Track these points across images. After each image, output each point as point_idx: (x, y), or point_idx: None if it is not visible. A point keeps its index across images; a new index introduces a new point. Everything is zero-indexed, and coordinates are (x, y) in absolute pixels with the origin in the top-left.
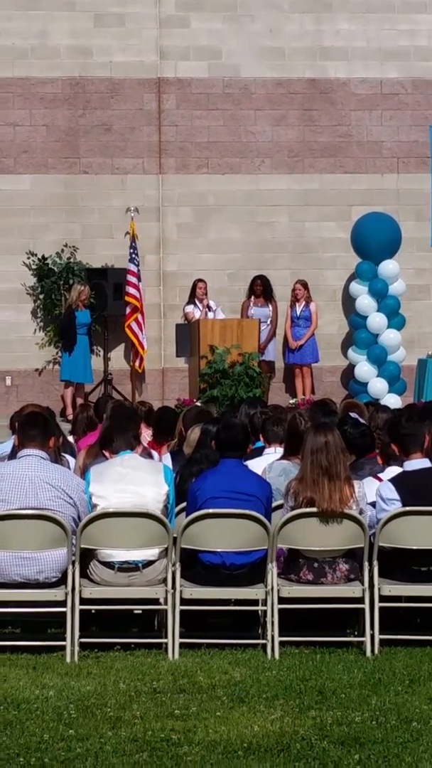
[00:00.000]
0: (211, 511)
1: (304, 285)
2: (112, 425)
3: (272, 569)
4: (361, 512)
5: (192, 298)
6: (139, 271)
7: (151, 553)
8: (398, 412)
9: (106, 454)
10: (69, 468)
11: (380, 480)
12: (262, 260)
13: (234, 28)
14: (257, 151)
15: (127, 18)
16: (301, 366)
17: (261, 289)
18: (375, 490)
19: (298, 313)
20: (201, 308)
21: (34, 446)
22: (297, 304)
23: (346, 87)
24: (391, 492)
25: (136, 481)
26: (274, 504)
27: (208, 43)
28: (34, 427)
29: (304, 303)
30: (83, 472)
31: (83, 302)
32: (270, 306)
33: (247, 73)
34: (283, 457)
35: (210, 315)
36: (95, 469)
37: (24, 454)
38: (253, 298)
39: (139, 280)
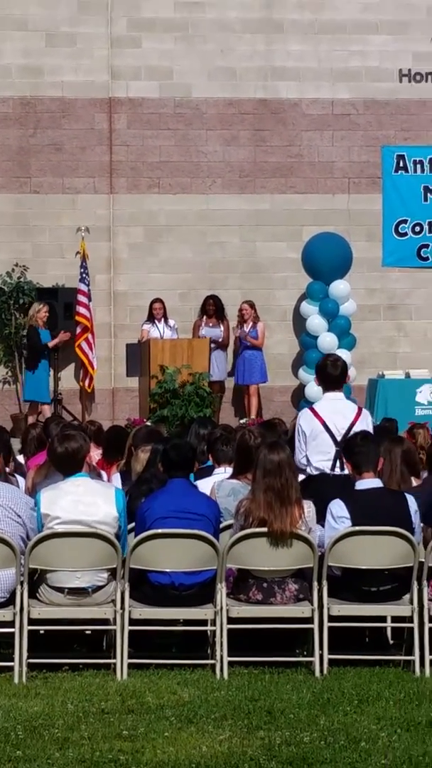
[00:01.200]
0: (159, 531)
1: (251, 305)
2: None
3: (221, 589)
4: (310, 531)
5: (150, 318)
6: (89, 290)
7: (100, 577)
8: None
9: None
10: (18, 488)
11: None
12: (213, 280)
13: (185, 48)
14: (208, 171)
15: (79, 38)
16: (248, 386)
17: (213, 309)
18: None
19: (246, 332)
20: (159, 327)
21: None
22: (245, 324)
23: (298, 107)
24: (342, 510)
25: (87, 503)
26: (222, 524)
27: (159, 63)
28: None
29: (251, 323)
30: (33, 492)
31: (42, 320)
32: (222, 326)
33: (199, 93)
34: (232, 476)
35: (169, 334)
36: (46, 491)
37: None
38: (205, 318)
39: (89, 299)
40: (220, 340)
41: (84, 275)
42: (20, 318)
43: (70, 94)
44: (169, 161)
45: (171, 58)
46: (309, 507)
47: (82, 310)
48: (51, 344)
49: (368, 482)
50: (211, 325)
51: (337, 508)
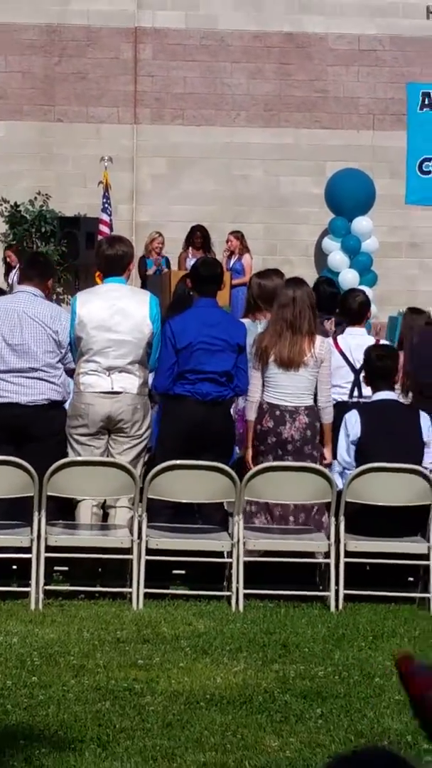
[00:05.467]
0: (177, 462)
1: (238, 237)
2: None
3: (239, 521)
4: (321, 364)
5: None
6: (111, 221)
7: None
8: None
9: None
10: None
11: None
12: (235, 213)
13: None
14: (233, 103)
15: None
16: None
17: (201, 240)
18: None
19: (230, 265)
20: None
21: (30, 284)
22: (232, 257)
23: (324, 42)
24: (356, 420)
25: (121, 307)
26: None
27: None
28: (32, 267)
29: (237, 256)
30: None
31: (156, 251)
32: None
33: (225, 26)
34: (244, 315)
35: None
36: (82, 294)
37: (19, 290)
38: (191, 249)
39: (111, 229)
40: None
41: (106, 205)
42: (42, 246)
43: (96, 23)
44: (193, 93)
45: None
46: (322, 342)
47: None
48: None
49: (383, 394)
50: (197, 257)
51: (352, 418)
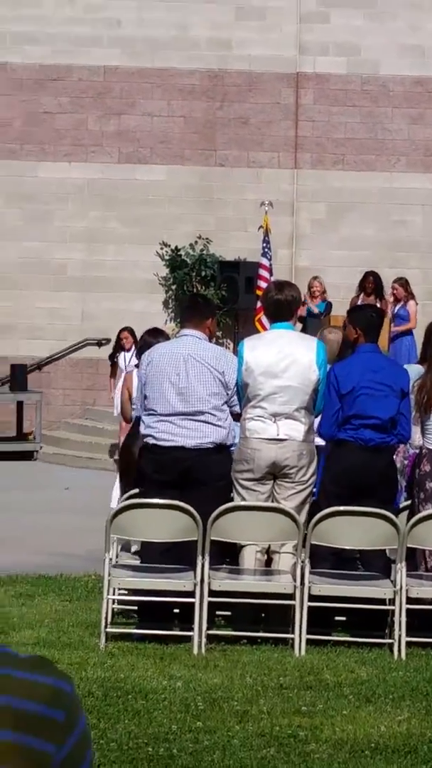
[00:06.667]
0: (341, 508)
1: (403, 284)
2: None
3: (401, 569)
4: None
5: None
6: (271, 265)
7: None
8: None
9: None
10: None
11: None
12: (394, 259)
13: (374, 24)
14: (393, 148)
15: (268, 12)
16: None
17: (372, 286)
18: None
19: (395, 311)
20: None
21: (191, 327)
22: (397, 303)
23: None
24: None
25: (290, 348)
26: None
27: (347, 39)
28: (191, 309)
29: (402, 302)
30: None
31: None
32: (379, 305)
33: (386, 71)
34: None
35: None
36: (250, 340)
37: (182, 334)
38: (363, 295)
39: (271, 274)
40: None
41: (266, 249)
42: (201, 290)
43: (258, 68)
44: (354, 138)
45: (359, 34)
46: None
47: (263, 284)
48: None
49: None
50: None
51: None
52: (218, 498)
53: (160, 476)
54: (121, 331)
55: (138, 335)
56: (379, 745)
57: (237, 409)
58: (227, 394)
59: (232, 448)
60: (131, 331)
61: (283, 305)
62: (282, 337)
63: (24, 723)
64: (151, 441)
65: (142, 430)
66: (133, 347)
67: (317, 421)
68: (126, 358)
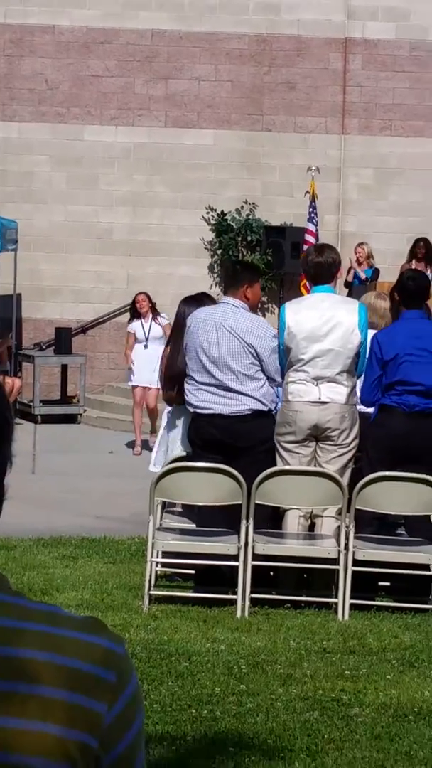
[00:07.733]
0: (386, 474)
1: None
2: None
3: None
4: None
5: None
6: (317, 230)
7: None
8: None
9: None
10: None
11: None
12: None
13: None
14: None
15: None
16: None
17: (424, 252)
18: None
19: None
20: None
21: (229, 295)
22: (417, 265)
23: None
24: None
25: (332, 312)
26: None
27: (396, 5)
28: (229, 277)
29: (424, 263)
30: None
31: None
32: (429, 271)
33: None
34: None
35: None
36: (291, 304)
37: (221, 302)
38: (414, 261)
39: (317, 239)
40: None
41: (312, 215)
42: (247, 255)
43: (306, 33)
44: (402, 104)
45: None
46: None
47: None
48: None
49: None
50: (419, 269)
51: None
52: (262, 463)
53: (204, 442)
54: (137, 295)
55: (167, 300)
56: (422, 709)
57: (276, 377)
58: (260, 364)
59: (275, 412)
60: (147, 296)
61: (324, 267)
62: (323, 300)
63: (77, 683)
64: (191, 409)
65: (186, 396)
66: (150, 313)
67: (359, 384)
68: (145, 329)
